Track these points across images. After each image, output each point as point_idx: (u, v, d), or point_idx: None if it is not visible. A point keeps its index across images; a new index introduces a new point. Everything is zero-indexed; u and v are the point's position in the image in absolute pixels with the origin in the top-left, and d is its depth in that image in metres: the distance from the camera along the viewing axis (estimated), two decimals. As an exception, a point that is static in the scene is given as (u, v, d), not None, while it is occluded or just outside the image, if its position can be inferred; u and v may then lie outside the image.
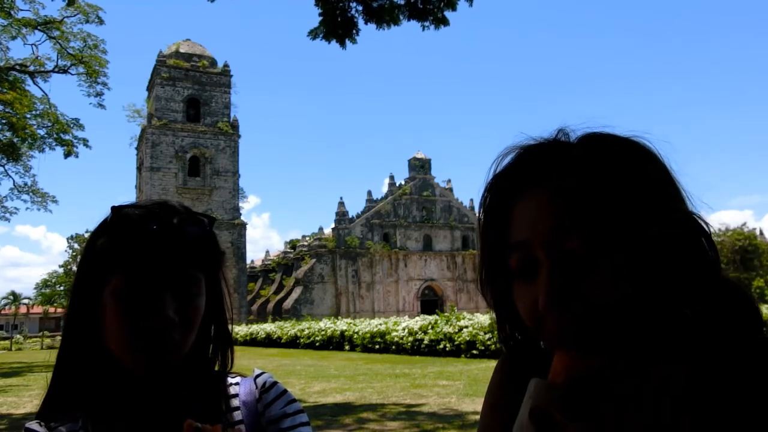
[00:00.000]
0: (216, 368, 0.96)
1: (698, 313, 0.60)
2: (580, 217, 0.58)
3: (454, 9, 7.50)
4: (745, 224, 49.44)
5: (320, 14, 7.47)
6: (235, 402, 0.92)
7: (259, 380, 0.95)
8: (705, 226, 0.62)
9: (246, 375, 0.98)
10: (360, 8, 7.53)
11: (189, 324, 0.83)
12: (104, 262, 0.83)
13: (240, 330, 35.03)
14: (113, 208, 0.85)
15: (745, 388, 0.56)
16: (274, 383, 0.95)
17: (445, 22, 7.62)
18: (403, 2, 7.47)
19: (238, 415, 0.90)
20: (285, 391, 0.95)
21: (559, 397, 0.58)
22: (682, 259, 0.59)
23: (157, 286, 0.81)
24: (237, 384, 0.95)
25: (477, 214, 0.70)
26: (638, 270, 0.58)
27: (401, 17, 7.56)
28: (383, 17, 7.45)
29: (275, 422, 0.90)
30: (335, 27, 7.46)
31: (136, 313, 0.80)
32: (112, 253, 0.82)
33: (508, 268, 0.64)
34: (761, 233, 51.17)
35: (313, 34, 7.57)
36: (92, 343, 0.84)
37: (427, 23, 7.61)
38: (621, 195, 0.59)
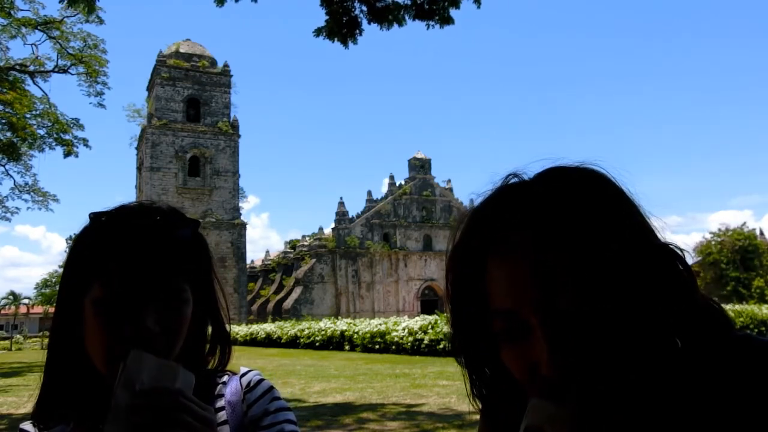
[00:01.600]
0: (213, 366, 0.94)
1: (683, 338, 0.61)
2: (559, 271, 0.58)
3: (457, 7, 7.51)
4: (745, 224, 49.39)
5: (326, 13, 7.49)
6: (221, 402, 0.90)
7: (244, 379, 0.93)
8: (679, 252, 0.62)
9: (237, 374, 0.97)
10: (364, 8, 7.55)
11: (173, 333, 0.81)
12: (84, 270, 0.81)
13: (240, 330, 35.02)
14: (91, 216, 0.84)
15: (717, 390, 0.58)
16: (259, 381, 0.93)
17: (450, 21, 7.64)
18: (409, 2, 7.48)
19: (222, 416, 0.88)
20: (269, 389, 0.92)
21: (551, 414, 0.58)
22: (661, 288, 0.59)
23: (136, 295, 0.78)
24: (224, 383, 0.93)
25: (446, 276, 0.68)
26: (618, 295, 0.58)
27: (407, 17, 7.58)
28: (386, 17, 7.47)
29: (256, 421, 0.88)
30: (339, 27, 7.48)
31: (114, 323, 0.78)
32: (91, 261, 0.81)
33: (489, 332, 0.63)
34: (761, 233, 51.13)
35: (318, 32, 7.59)
36: (75, 350, 0.82)
37: (432, 22, 7.63)
38: (586, 223, 0.58)
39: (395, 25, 7.59)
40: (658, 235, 0.63)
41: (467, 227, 0.66)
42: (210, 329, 0.93)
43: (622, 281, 0.58)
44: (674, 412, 0.59)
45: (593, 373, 0.57)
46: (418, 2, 7.48)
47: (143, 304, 0.78)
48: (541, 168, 0.65)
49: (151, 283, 0.79)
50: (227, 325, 0.95)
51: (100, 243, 0.81)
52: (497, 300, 0.62)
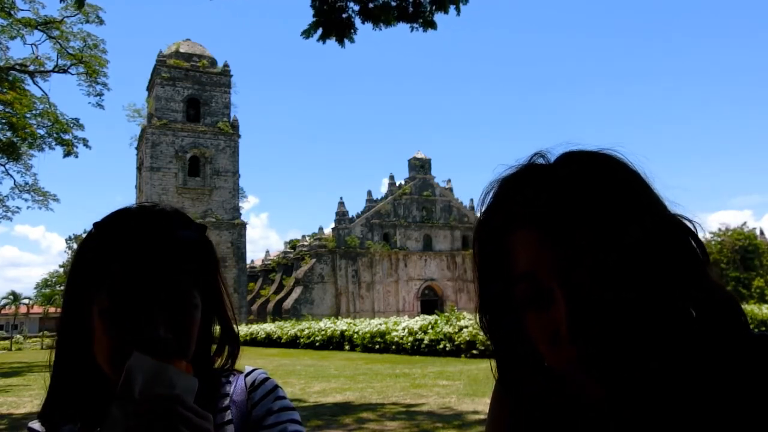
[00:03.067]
0: (220, 365, 0.94)
1: (695, 312, 0.62)
2: (579, 237, 0.60)
3: (446, 12, 7.60)
4: (745, 224, 49.45)
5: (314, 15, 7.51)
6: (226, 401, 0.90)
7: (249, 378, 0.93)
8: (691, 226, 0.64)
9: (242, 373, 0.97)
10: (357, 8, 7.59)
11: (185, 338, 0.80)
12: (89, 277, 0.80)
13: (240, 330, 34.37)
14: (95, 226, 0.83)
15: (735, 385, 0.59)
16: (264, 380, 0.93)
17: (433, 25, 7.73)
18: (394, 4, 7.54)
19: (227, 415, 0.88)
20: (274, 388, 0.92)
21: None
22: (672, 260, 0.62)
23: (145, 304, 0.77)
24: (230, 383, 0.93)
25: (473, 250, 0.71)
26: (637, 277, 0.60)
27: (393, 18, 7.64)
28: (379, 18, 7.51)
29: (260, 420, 0.88)
30: (331, 27, 7.50)
31: (123, 331, 0.76)
32: (96, 267, 0.80)
33: (513, 300, 0.65)
34: (761, 233, 51.17)
35: (306, 33, 7.61)
36: (82, 355, 0.82)
37: (416, 25, 7.72)
38: (607, 208, 0.61)
39: (388, 26, 7.65)
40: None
41: (493, 202, 0.69)
42: (218, 330, 0.93)
43: (636, 257, 0.60)
44: (690, 404, 0.60)
45: (612, 348, 0.59)
46: (403, 5, 7.54)
47: (152, 310, 0.77)
48: (565, 149, 0.68)
49: (159, 288, 0.78)
50: (235, 326, 0.95)
51: (105, 249, 0.80)
52: (519, 265, 0.64)
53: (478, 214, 0.71)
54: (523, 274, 0.63)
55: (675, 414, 0.61)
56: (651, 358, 0.60)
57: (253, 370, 0.95)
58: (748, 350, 0.61)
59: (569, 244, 0.61)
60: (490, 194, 0.70)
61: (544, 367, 0.68)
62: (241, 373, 0.95)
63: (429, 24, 7.71)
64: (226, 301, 0.93)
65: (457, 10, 7.61)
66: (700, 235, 0.65)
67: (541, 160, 0.68)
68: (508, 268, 0.65)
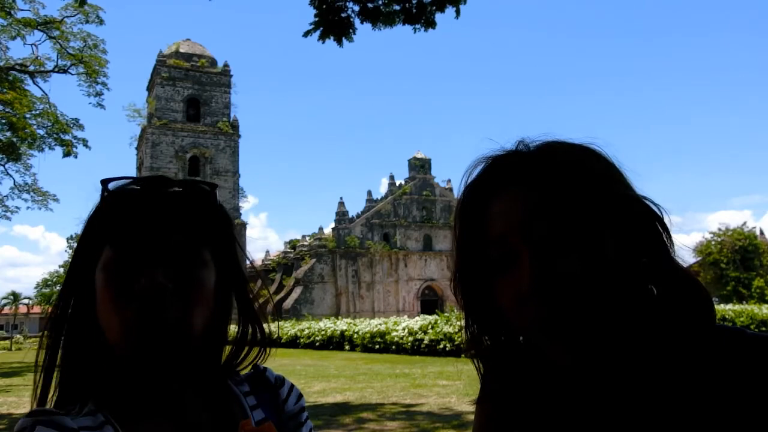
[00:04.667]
0: (246, 358, 0.88)
1: (657, 293, 0.66)
2: (548, 206, 0.65)
3: (443, 11, 7.70)
4: (745, 224, 49.31)
5: (315, 15, 7.54)
6: (252, 400, 0.85)
7: (270, 375, 0.92)
8: (657, 210, 0.68)
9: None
10: (356, 8, 7.62)
11: (189, 298, 0.73)
12: (95, 238, 0.76)
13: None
14: (102, 182, 0.79)
15: (708, 378, 0.61)
16: (283, 378, 0.93)
17: (433, 25, 7.85)
18: (398, 8, 7.61)
19: (259, 414, 0.84)
20: (293, 385, 0.93)
21: None
22: (635, 236, 0.66)
23: (149, 256, 0.72)
24: (245, 380, 0.88)
25: (453, 220, 0.76)
26: (599, 246, 0.64)
27: (397, 20, 7.71)
28: (379, 18, 7.56)
29: (294, 417, 0.89)
30: (330, 27, 7.53)
31: (123, 281, 0.71)
32: (102, 226, 0.75)
33: (486, 265, 0.69)
34: (761, 233, 51.13)
35: (307, 34, 7.66)
36: (86, 327, 0.76)
37: (418, 26, 7.80)
38: (576, 185, 0.66)
39: (388, 26, 7.71)
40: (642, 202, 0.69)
41: (475, 178, 0.74)
42: (238, 308, 0.86)
43: (600, 227, 0.65)
44: (649, 375, 0.64)
45: (571, 310, 0.62)
46: (407, 7, 7.61)
47: (155, 261, 0.72)
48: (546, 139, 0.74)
49: (163, 242, 0.73)
50: (255, 303, 0.87)
51: (111, 207, 0.76)
52: (492, 231, 0.69)
53: (460, 191, 0.75)
54: (497, 237, 0.68)
55: (638, 381, 0.64)
56: (609, 325, 0.63)
57: (266, 368, 0.93)
58: (708, 336, 0.64)
59: (540, 208, 0.65)
60: (473, 171, 0.75)
61: (514, 335, 0.73)
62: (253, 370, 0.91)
63: (430, 24, 7.78)
64: (245, 273, 0.86)
65: (457, 12, 7.66)
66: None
67: (522, 147, 0.74)
68: (484, 237, 0.70)
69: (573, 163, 0.68)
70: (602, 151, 0.71)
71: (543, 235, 0.65)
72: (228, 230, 0.82)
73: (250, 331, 0.86)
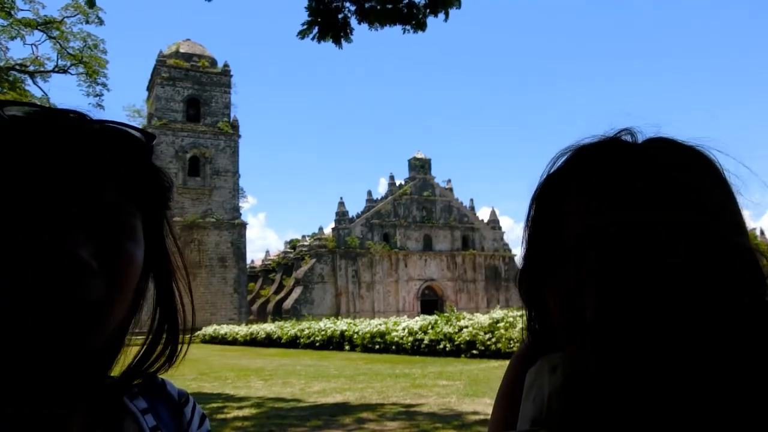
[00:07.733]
0: (152, 365, 0.65)
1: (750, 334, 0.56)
2: (641, 230, 0.56)
3: (436, 15, 7.70)
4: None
5: (308, 15, 7.55)
6: (150, 419, 0.64)
7: (171, 390, 0.70)
8: (762, 259, 0.59)
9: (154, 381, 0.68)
10: (353, 8, 7.63)
11: (117, 281, 0.53)
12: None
13: (240, 330, 35.06)
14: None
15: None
16: (187, 394, 0.71)
17: (423, 27, 7.84)
18: (390, 7, 7.62)
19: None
20: (196, 404, 0.72)
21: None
22: (732, 276, 0.56)
23: (61, 216, 0.51)
24: (140, 394, 0.66)
25: (528, 211, 0.67)
26: (686, 278, 0.55)
27: (388, 21, 7.72)
28: (374, 19, 7.57)
29: None
30: (328, 28, 7.53)
31: (26, 254, 0.49)
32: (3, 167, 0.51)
33: (551, 266, 0.62)
34: (761, 233, 51.07)
35: (302, 34, 7.64)
36: None
37: (408, 27, 7.82)
38: (684, 202, 0.57)
39: (384, 27, 7.71)
40: (748, 237, 0.61)
41: (564, 166, 0.65)
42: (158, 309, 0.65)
43: (695, 258, 0.55)
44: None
45: (632, 335, 0.54)
46: (398, 7, 7.62)
47: (72, 227, 0.51)
48: (654, 134, 0.64)
49: (83, 200, 0.52)
50: (179, 300, 0.65)
51: (14, 144, 0.52)
52: (571, 231, 0.60)
53: (544, 175, 0.66)
54: (573, 237, 0.59)
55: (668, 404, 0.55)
56: (679, 361, 0.54)
57: (166, 380, 0.70)
58: None
59: (632, 230, 0.55)
60: (564, 157, 0.65)
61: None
62: (146, 381, 0.66)
63: (420, 25, 7.78)
64: (175, 259, 0.65)
65: (446, 15, 7.67)
66: None
67: (628, 138, 0.64)
68: (560, 234, 0.61)
69: (688, 189, 0.58)
70: (720, 167, 0.61)
71: (624, 263, 0.55)
72: (165, 194, 0.64)
73: (166, 327, 0.64)
